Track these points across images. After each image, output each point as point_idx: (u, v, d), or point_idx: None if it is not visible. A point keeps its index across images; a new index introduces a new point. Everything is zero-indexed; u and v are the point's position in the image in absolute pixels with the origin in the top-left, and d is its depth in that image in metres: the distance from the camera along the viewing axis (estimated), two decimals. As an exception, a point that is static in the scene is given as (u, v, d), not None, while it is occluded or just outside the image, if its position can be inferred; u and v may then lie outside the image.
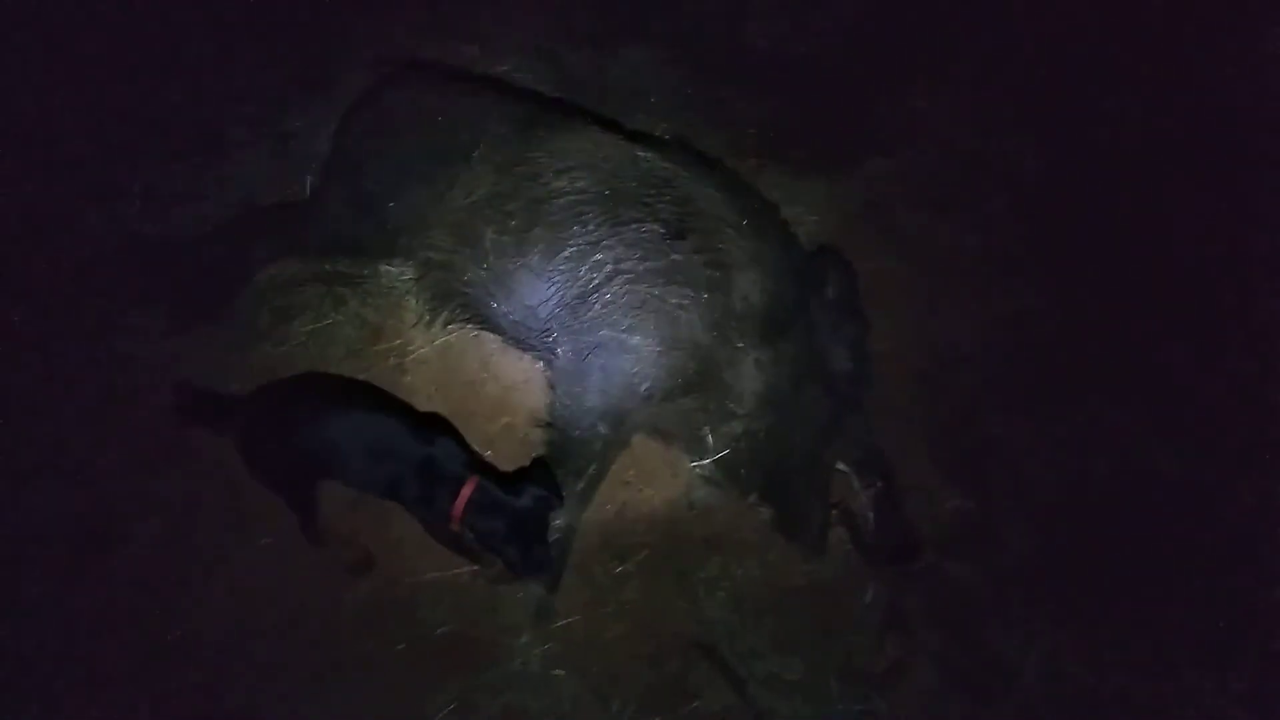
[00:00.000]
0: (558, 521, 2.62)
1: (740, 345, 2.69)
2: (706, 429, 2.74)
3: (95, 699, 2.42)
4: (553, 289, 2.70)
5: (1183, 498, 2.94)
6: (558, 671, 2.54)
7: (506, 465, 2.75)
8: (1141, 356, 3.15)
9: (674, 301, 2.65)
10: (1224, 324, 3.23)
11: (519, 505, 2.38)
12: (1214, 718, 2.62)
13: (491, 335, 2.94)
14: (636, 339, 2.65)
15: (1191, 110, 3.57)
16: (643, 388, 2.65)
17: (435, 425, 2.58)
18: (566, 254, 2.69)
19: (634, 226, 2.69)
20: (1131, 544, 2.86)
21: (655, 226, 2.69)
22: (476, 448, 2.82)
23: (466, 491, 2.38)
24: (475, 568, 2.68)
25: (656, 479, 2.86)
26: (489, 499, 2.39)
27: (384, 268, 3.00)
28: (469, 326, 2.93)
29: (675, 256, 2.67)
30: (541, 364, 2.87)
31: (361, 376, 2.87)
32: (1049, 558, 2.84)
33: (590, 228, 2.69)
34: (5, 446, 2.68)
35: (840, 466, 2.77)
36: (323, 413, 2.46)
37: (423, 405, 2.87)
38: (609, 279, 2.67)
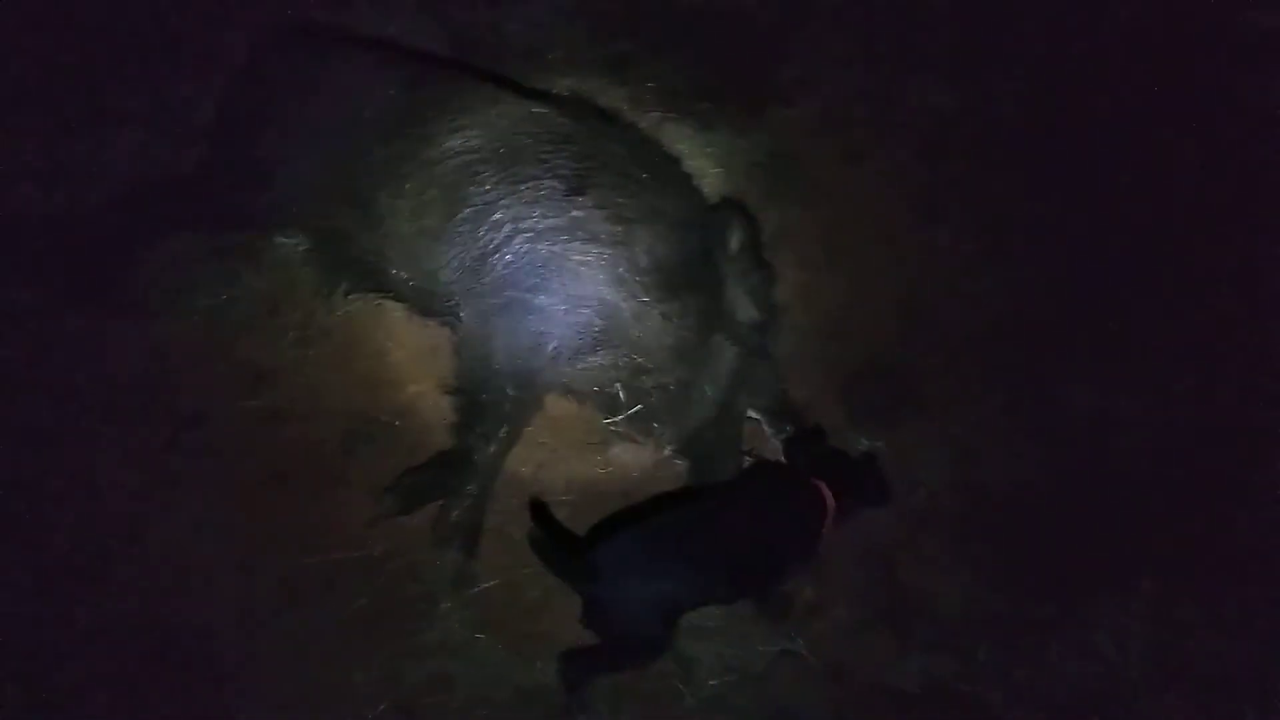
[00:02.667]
0: (469, 488, 2.61)
1: (646, 299, 2.68)
2: (618, 385, 2.73)
3: None
4: (452, 252, 2.66)
5: (1092, 431, 2.98)
6: (480, 635, 2.54)
7: (422, 434, 2.73)
8: (1061, 300, 3.17)
9: (576, 259, 2.63)
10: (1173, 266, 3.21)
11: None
12: (1121, 633, 2.72)
13: (395, 304, 2.89)
14: (540, 298, 2.63)
15: (1121, 35, 3.51)
16: (550, 347, 2.64)
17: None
18: (463, 215, 2.65)
19: (531, 184, 2.65)
20: (1042, 479, 2.91)
21: (554, 183, 2.66)
22: (386, 419, 2.78)
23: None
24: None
25: (571, 438, 2.85)
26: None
27: (278, 239, 2.92)
28: (370, 296, 2.87)
29: (576, 213, 2.65)
30: (448, 329, 2.84)
31: (263, 353, 2.80)
32: (960, 496, 2.89)
33: (486, 187, 2.65)
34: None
35: (751, 414, 2.80)
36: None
37: (330, 379, 2.82)
38: (509, 239, 2.63)
